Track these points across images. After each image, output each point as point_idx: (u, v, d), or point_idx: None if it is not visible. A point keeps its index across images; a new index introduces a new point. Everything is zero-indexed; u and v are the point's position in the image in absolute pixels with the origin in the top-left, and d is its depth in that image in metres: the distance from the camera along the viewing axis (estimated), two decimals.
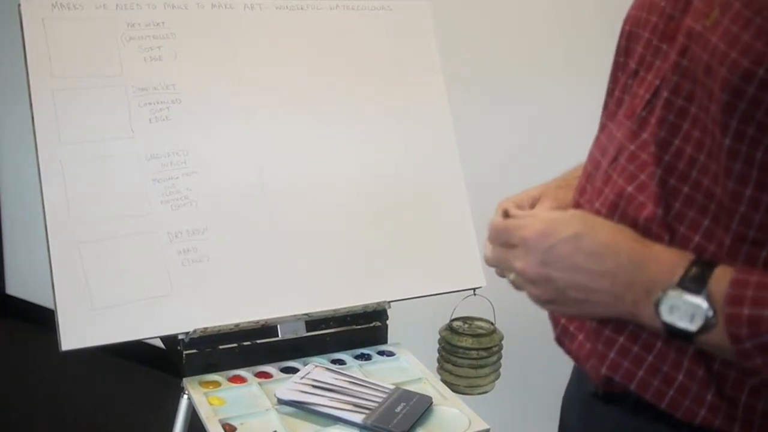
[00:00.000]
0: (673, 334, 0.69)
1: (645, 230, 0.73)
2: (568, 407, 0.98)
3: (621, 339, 0.76)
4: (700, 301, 0.66)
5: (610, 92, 0.87)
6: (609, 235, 0.73)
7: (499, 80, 2.00)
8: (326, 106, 1.36)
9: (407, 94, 1.42)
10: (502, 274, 0.92)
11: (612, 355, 0.77)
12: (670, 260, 0.70)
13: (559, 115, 1.92)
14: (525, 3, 1.94)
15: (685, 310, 0.67)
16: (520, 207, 0.90)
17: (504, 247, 0.79)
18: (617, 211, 0.76)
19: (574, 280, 0.73)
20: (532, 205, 0.92)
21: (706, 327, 0.66)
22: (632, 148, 0.77)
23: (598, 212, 0.78)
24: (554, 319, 0.87)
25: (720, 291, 0.66)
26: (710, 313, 0.66)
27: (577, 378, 0.94)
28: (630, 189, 0.75)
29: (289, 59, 1.34)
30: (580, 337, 0.82)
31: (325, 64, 1.37)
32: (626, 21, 0.85)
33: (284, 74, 1.33)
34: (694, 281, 0.67)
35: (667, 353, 0.73)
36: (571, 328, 0.83)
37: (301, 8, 1.37)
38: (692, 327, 0.67)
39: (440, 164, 1.42)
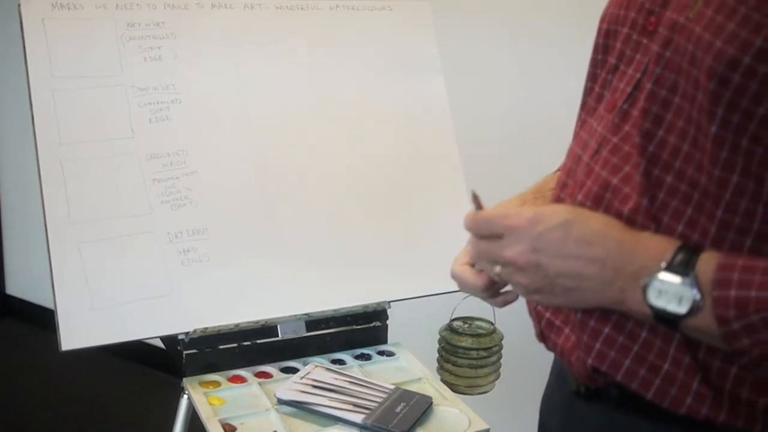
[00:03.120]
0: (661, 318, 0.70)
1: (630, 221, 0.74)
2: (548, 410, 0.98)
3: (606, 329, 0.77)
4: (687, 285, 0.67)
5: (588, 90, 0.88)
6: (598, 224, 0.74)
7: (500, 81, 2.00)
8: (326, 105, 1.36)
9: (407, 94, 1.42)
10: (467, 290, 0.92)
11: (598, 345, 0.77)
12: (658, 246, 0.71)
13: (562, 116, 1.91)
14: (525, 3, 1.94)
15: (673, 293, 0.68)
16: None
17: (486, 240, 0.78)
18: (603, 202, 0.77)
19: (565, 266, 0.73)
20: None
21: (694, 310, 0.67)
22: (615, 140, 0.78)
23: (581, 204, 0.78)
24: (537, 315, 0.87)
25: (707, 275, 0.67)
26: (698, 296, 0.67)
27: (557, 379, 0.95)
28: (615, 181, 0.76)
29: (289, 59, 1.34)
30: (566, 330, 0.82)
31: (324, 64, 1.37)
32: (603, 19, 0.86)
33: (284, 74, 1.33)
34: (681, 265, 0.68)
35: (653, 342, 0.74)
36: (557, 322, 0.84)
37: (301, 8, 1.37)
38: (680, 310, 0.68)
39: (440, 164, 1.42)
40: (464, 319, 1.38)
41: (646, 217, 0.74)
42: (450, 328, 1.35)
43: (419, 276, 1.36)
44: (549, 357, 0.95)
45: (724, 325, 0.66)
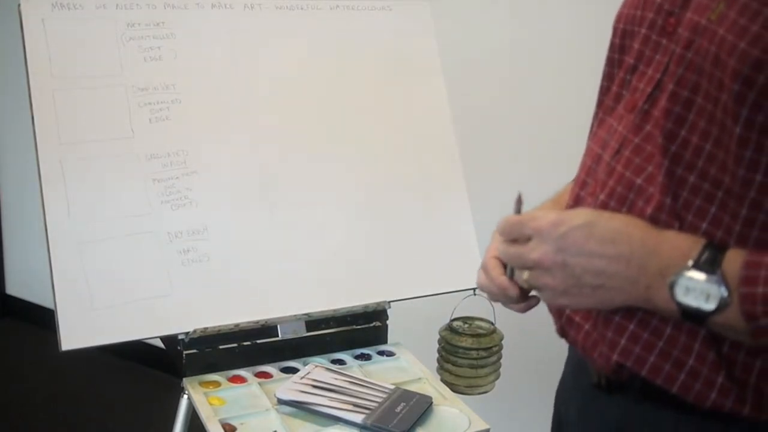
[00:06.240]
0: (688, 315, 0.71)
1: (654, 220, 0.75)
2: (564, 401, 0.99)
3: (631, 326, 0.78)
4: (714, 282, 0.69)
5: (604, 90, 0.89)
6: (620, 223, 0.76)
7: (501, 80, 2.00)
8: (326, 105, 1.36)
9: (407, 94, 1.42)
10: (496, 299, 0.93)
11: (623, 341, 0.78)
12: (683, 244, 0.72)
13: (564, 116, 1.92)
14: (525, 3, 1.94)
15: (701, 290, 0.69)
16: None
17: (517, 243, 0.80)
18: (627, 202, 0.78)
19: (591, 264, 0.75)
20: None
21: (721, 307, 0.69)
22: (637, 140, 0.79)
23: (604, 204, 0.80)
24: (557, 312, 0.88)
25: (734, 272, 0.69)
26: (725, 293, 0.68)
27: (574, 371, 0.95)
28: (639, 181, 0.77)
29: (289, 59, 1.34)
30: (587, 326, 0.83)
31: (325, 64, 1.37)
32: (618, 19, 0.87)
33: (284, 74, 1.33)
34: (708, 263, 0.70)
35: (677, 338, 0.75)
36: (577, 319, 0.85)
37: (301, 8, 1.37)
38: (707, 307, 0.69)
39: (440, 164, 1.42)
40: (464, 319, 1.38)
41: (669, 216, 0.75)
42: (450, 328, 1.35)
43: (419, 276, 1.36)
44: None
45: (751, 321, 0.68)
